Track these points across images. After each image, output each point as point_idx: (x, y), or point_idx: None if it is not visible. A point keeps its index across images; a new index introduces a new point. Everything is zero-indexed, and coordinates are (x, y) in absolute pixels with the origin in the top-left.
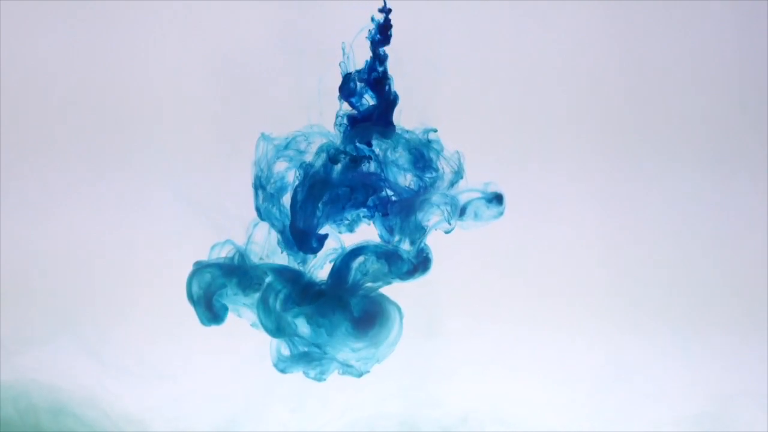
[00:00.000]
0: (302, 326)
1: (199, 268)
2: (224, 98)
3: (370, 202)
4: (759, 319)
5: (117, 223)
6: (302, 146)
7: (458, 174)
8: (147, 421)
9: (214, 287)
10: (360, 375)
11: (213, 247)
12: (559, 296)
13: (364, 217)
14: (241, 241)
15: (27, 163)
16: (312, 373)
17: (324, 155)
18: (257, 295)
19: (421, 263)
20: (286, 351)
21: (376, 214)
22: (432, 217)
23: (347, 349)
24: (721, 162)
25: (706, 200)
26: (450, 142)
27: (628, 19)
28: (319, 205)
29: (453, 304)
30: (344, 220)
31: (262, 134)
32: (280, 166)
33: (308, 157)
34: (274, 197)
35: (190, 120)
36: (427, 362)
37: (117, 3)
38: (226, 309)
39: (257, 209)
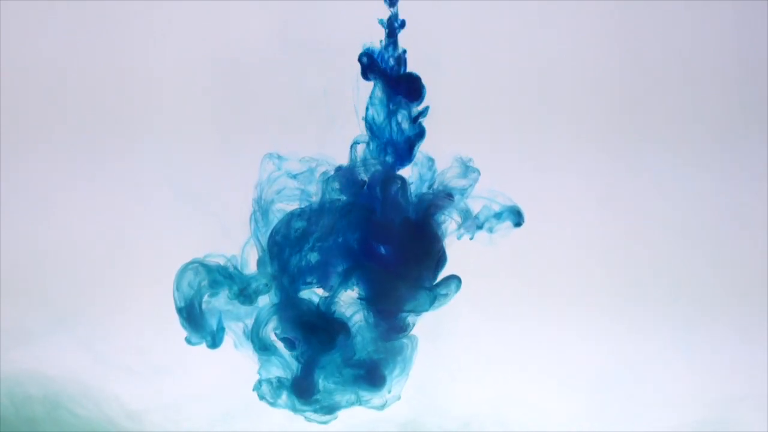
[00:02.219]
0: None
1: (193, 266)
2: (226, 95)
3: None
4: (761, 320)
5: (116, 220)
6: (310, 183)
7: (466, 171)
8: (142, 415)
9: (204, 292)
10: (383, 407)
11: (205, 258)
12: (563, 299)
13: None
14: (238, 248)
15: (26, 159)
16: (312, 414)
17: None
18: (257, 305)
19: (442, 289)
20: (274, 376)
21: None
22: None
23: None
24: (724, 160)
25: (709, 199)
26: (450, 142)
27: (630, 17)
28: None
29: (456, 307)
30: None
31: (268, 155)
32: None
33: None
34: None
35: (192, 117)
36: (429, 366)
37: (117, 1)
38: (222, 325)
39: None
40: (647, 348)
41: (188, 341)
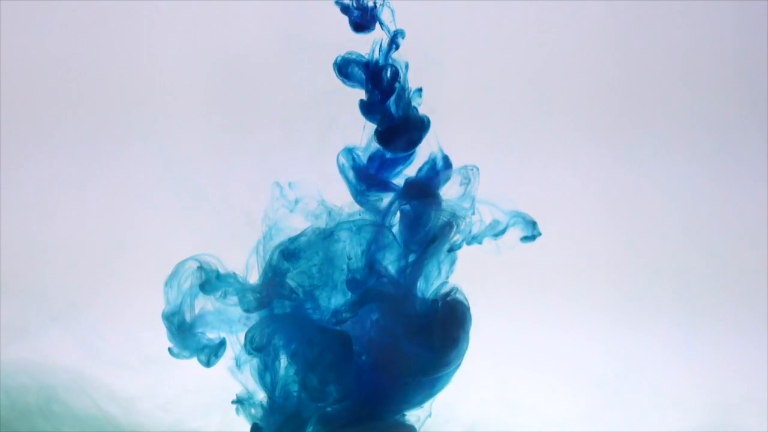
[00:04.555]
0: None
1: (191, 263)
2: (227, 94)
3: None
4: (764, 321)
5: (115, 216)
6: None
7: (466, 174)
8: (134, 406)
9: (197, 294)
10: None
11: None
12: (565, 300)
13: None
14: (241, 246)
15: (26, 155)
16: None
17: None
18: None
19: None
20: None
21: None
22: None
23: None
24: (725, 159)
25: (710, 198)
26: (450, 142)
27: (630, 13)
28: None
29: None
30: None
31: (277, 184)
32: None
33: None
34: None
35: (193, 115)
36: None
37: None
38: (223, 340)
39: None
40: (649, 350)
41: (174, 354)
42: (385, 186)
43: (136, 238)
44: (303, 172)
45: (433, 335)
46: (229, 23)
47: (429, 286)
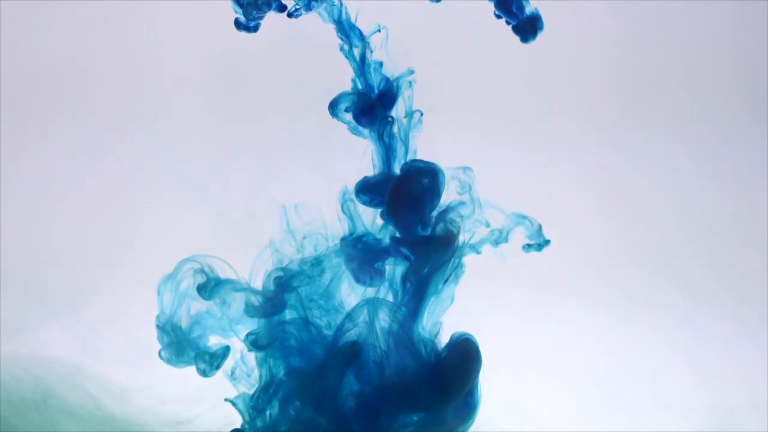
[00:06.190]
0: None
1: (191, 264)
2: (228, 93)
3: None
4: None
5: (114, 213)
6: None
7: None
8: (132, 400)
9: (194, 295)
10: None
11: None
12: (566, 300)
13: None
14: (241, 247)
15: (26, 152)
16: None
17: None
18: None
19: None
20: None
21: None
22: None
23: None
24: (725, 156)
25: (711, 196)
26: (448, 141)
27: (630, 13)
28: None
29: (460, 310)
30: None
31: (283, 207)
32: None
33: None
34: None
35: (194, 114)
36: None
37: None
38: (227, 347)
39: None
40: (650, 350)
41: (165, 361)
42: (389, 255)
43: (136, 237)
44: (304, 171)
45: (444, 380)
46: (229, 23)
47: (434, 314)
